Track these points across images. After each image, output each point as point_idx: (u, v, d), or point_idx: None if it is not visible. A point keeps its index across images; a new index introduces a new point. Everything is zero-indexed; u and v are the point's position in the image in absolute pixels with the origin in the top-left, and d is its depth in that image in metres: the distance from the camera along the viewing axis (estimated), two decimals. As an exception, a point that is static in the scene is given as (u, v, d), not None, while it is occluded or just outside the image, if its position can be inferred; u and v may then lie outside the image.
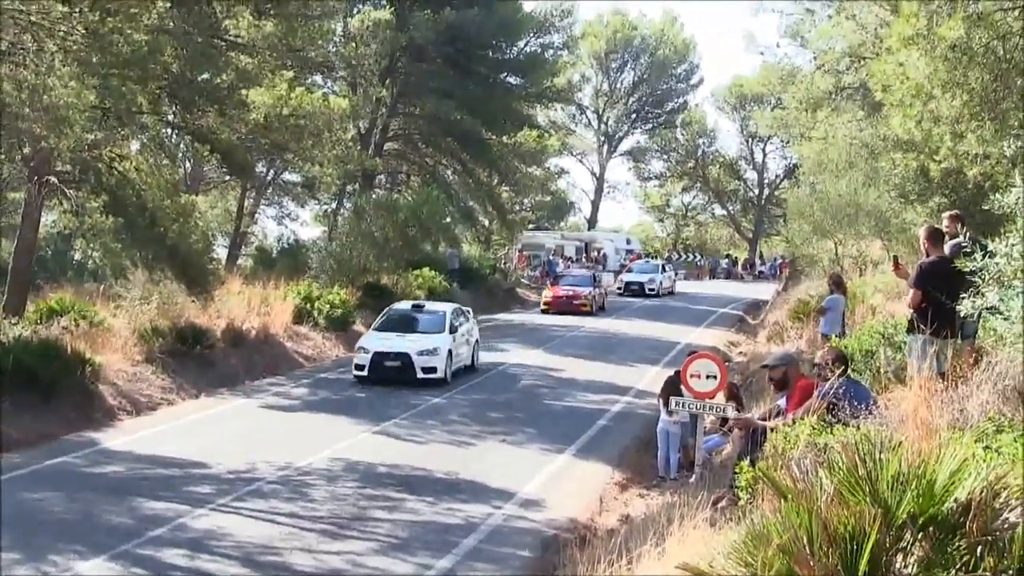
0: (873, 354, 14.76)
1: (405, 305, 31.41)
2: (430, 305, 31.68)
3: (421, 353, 27.23)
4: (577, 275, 50.84)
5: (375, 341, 28.02)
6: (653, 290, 55.05)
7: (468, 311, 32.00)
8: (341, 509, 16.05)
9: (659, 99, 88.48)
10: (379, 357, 27.17)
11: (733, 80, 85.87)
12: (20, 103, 20.71)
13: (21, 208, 29.97)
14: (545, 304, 46.35)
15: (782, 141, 78.83)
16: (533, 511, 16.40)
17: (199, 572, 13.03)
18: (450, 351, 27.86)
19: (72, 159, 25.15)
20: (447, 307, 30.76)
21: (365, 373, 27.14)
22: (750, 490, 9.74)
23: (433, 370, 27.20)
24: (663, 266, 60.60)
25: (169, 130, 35.50)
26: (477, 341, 30.95)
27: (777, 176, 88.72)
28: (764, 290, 56.53)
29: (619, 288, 55.46)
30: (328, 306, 34.54)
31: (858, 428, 9.29)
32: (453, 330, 28.70)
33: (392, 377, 26.89)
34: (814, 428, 10.07)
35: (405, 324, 29.03)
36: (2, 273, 31.82)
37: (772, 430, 11.17)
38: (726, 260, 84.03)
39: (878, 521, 5.98)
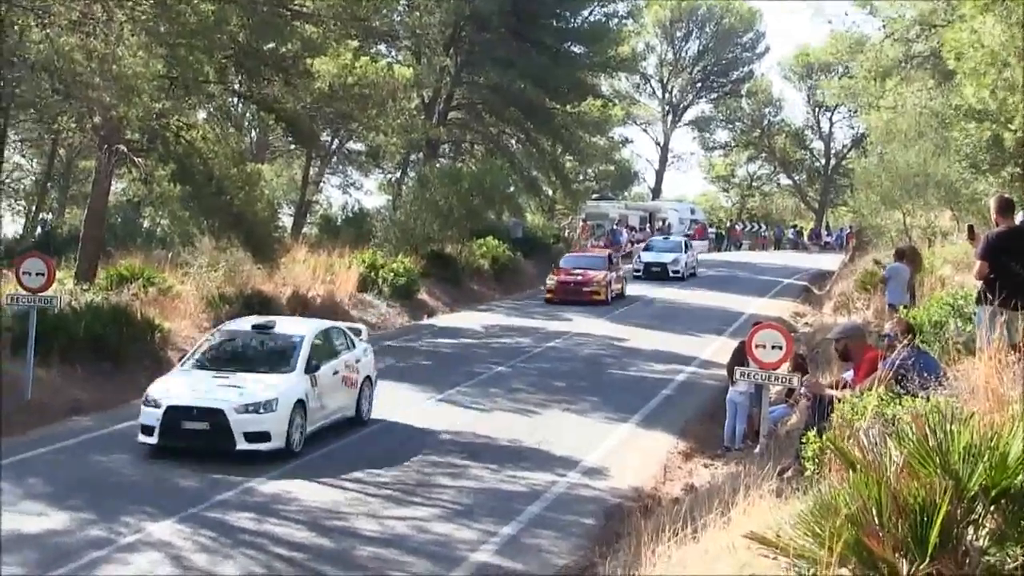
0: (942, 325, 14.57)
1: (243, 324, 19.78)
2: (285, 325, 19.74)
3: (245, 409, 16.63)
4: (590, 256, 42.64)
5: (174, 388, 17.23)
6: (678, 272, 47.42)
7: (359, 330, 21.82)
8: (406, 475, 16.17)
9: (724, 68, 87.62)
10: (174, 415, 16.62)
11: (800, 49, 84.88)
12: (90, 73, 20.97)
13: (92, 176, 30.39)
14: (549, 293, 38.18)
15: (849, 110, 77.78)
16: (597, 479, 16.42)
17: (267, 535, 13.20)
18: (301, 401, 17.23)
19: (141, 128, 25.40)
20: (311, 327, 19.43)
21: (153, 439, 16.66)
22: (817, 461, 9.67)
23: (264, 436, 16.57)
24: (685, 243, 51.49)
25: (235, 99, 35.83)
26: (369, 378, 19.94)
27: (844, 146, 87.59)
28: (830, 261, 55.92)
29: (636, 270, 47.54)
30: (392, 274, 34.71)
31: (927, 399, 9.19)
32: (312, 368, 17.89)
33: (195, 447, 16.66)
34: (882, 399, 9.97)
35: (237, 358, 18.49)
36: (73, 240, 32.34)
37: (839, 400, 11.08)
38: (791, 231, 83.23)
39: (949, 493, 5.93)
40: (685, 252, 49.09)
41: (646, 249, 50.54)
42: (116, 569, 11.80)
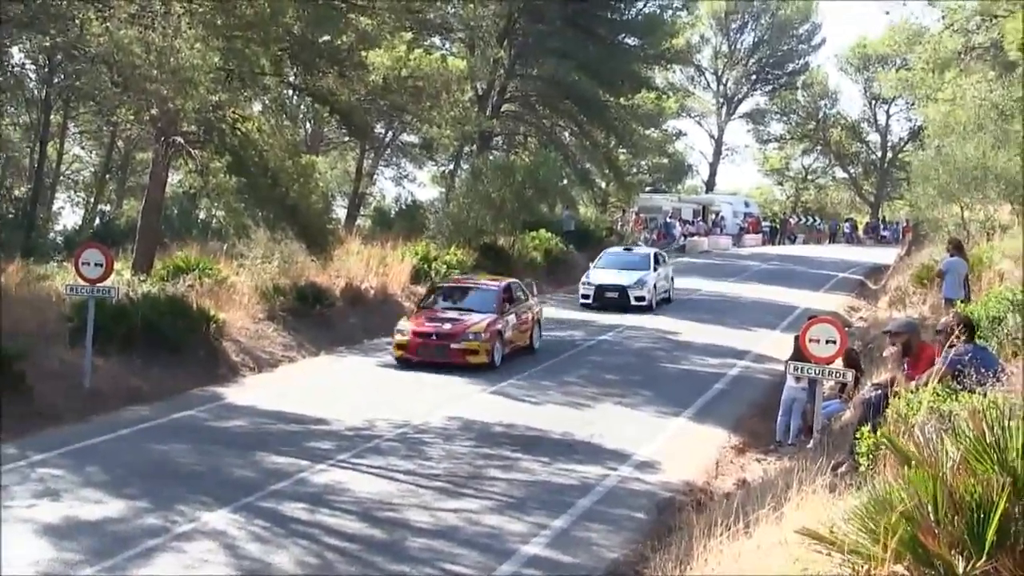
0: (1001, 320, 14.41)
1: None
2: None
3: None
4: (478, 288, 26.87)
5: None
6: (643, 300, 34.47)
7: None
8: (457, 467, 16.21)
9: (780, 60, 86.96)
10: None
11: (857, 40, 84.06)
12: (148, 65, 21.19)
13: (149, 168, 30.70)
14: (398, 349, 24.27)
15: (907, 103, 76.93)
16: (649, 473, 16.37)
17: (319, 526, 13.28)
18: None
19: (197, 120, 25.65)
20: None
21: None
22: (871, 456, 9.60)
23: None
24: (656, 256, 37.85)
25: (290, 91, 36.03)
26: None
27: (901, 139, 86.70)
28: (886, 255, 55.37)
29: (584, 296, 35.16)
30: (445, 266, 34.76)
31: (985, 395, 9.09)
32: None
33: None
34: (937, 394, 9.88)
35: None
36: (131, 231, 32.73)
37: (895, 396, 10.97)
38: (847, 224, 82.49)
39: (1007, 490, 5.87)
40: (655, 269, 36.19)
41: (598, 263, 37.32)
42: (171, 557, 11.93)
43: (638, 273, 35.56)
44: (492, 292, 26.11)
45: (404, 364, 24.07)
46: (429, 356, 23.84)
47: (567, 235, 47.00)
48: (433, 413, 19.57)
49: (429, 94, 33.48)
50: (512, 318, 25.71)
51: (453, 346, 23.88)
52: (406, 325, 24.75)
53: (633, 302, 34.25)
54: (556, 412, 20.21)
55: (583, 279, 35.92)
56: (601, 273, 36.08)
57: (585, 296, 35.19)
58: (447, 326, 24.38)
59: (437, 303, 26.31)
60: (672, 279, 37.70)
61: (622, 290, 34.66)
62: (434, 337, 24.05)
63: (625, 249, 39.14)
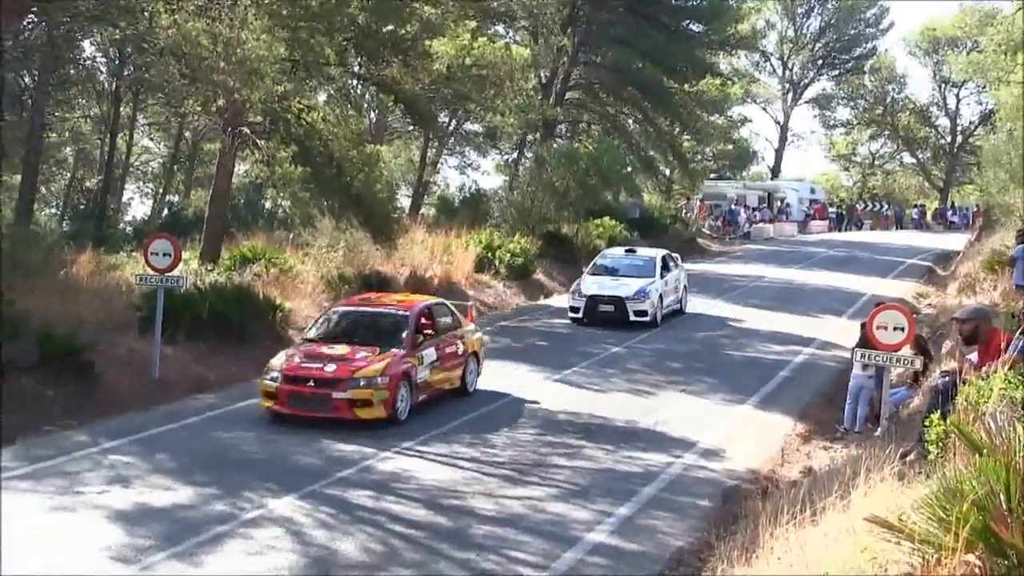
0: (1074, 307, 14.14)
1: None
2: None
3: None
4: (378, 316, 19.98)
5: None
6: (645, 313, 28.46)
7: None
8: (521, 455, 16.24)
9: (847, 44, 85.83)
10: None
11: (926, 23, 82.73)
12: (216, 57, 21.44)
13: (216, 159, 31.02)
14: (267, 399, 17.99)
15: (977, 86, 75.68)
16: (713, 461, 16.29)
17: (385, 513, 13.37)
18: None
19: (263, 110, 25.88)
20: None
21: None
22: (940, 444, 9.47)
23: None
24: (665, 259, 31.09)
25: (355, 81, 36.24)
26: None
27: (971, 123, 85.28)
28: (955, 240, 54.55)
29: (573, 309, 29.02)
30: (509, 255, 34.82)
31: (1058, 382, 8.94)
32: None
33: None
34: (1009, 382, 9.72)
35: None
36: (199, 221, 33.11)
37: (964, 383, 10.82)
38: (915, 210, 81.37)
39: (1080, 478, 5.76)
40: (662, 275, 29.81)
41: (596, 268, 30.91)
42: (239, 544, 12.07)
43: (640, 281, 29.02)
44: (401, 319, 19.21)
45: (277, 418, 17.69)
46: (304, 409, 17.46)
47: (631, 223, 46.82)
48: (497, 401, 19.62)
49: (493, 82, 33.51)
50: (430, 353, 18.97)
51: (337, 396, 17.39)
52: (278, 362, 18.07)
53: (632, 317, 28.22)
54: (620, 399, 20.16)
55: (573, 287, 29.81)
56: (595, 281, 29.38)
57: (574, 309, 28.84)
58: (330, 368, 17.75)
59: (327, 333, 19.39)
60: (686, 287, 31.59)
61: (619, 303, 28.37)
62: (311, 384, 17.55)
63: (627, 251, 32.58)
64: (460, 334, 20.29)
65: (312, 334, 19.50)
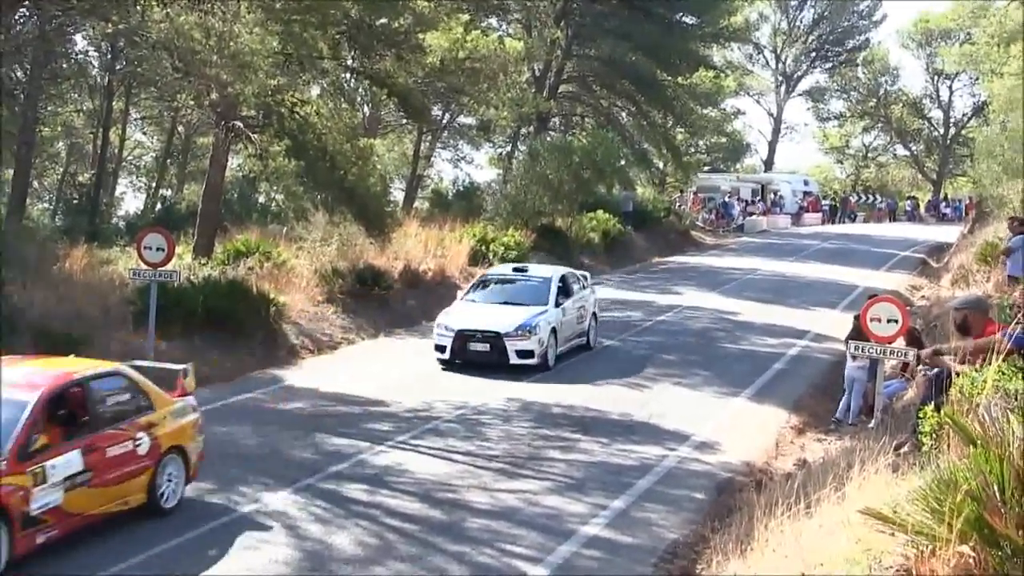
0: (1067, 298, 14.16)
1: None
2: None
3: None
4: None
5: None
6: (529, 354, 22.00)
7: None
8: (516, 449, 16.25)
9: (840, 37, 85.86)
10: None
11: (919, 15, 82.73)
12: (208, 51, 21.36)
13: (209, 153, 30.98)
14: None
15: (971, 78, 75.67)
16: (708, 453, 16.33)
17: (379, 507, 13.39)
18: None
19: (256, 104, 25.82)
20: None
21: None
22: (934, 436, 9.48)
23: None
24: (565, 279, 24.64)
25: (348, 75, 36.11)
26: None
27: (964, 115, 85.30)
28: (948, 232, 54.61)
29: (439, 349, 22.36)
30: (503, 248, 34.77)
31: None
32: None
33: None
34: (1003, 373, 9.73)
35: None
36: (192, 216, 33.06)
37: (957, 374, 10.83)
38: (908, 202, 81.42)
39: (1074, 469, 5.78)
40: (557, 303, 23.28)
41: (471, 295, 24.45)
42: (235, 538, 12.07)
43: (526, 311, 22.53)
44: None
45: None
46: None
47: (625, 216, 46.80)
48: (491, 394, 19.63)
49: (486, 76, 33.45)
50: (70, 460, 11.44)
51: None
52: None
53: (514, 359, 21.81)
54: (615, 393, 20.19)
55: (438, 319, 22.91)
56: (468, 311, 23.04)
57: (440, 348, 22.28)
58: None
59: None
60: (595, 314, 25.14)
61: (495, 339, 21.98)
62: None
63: (515, 269, 25.71)
64: (149, 421, 12.71)
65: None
